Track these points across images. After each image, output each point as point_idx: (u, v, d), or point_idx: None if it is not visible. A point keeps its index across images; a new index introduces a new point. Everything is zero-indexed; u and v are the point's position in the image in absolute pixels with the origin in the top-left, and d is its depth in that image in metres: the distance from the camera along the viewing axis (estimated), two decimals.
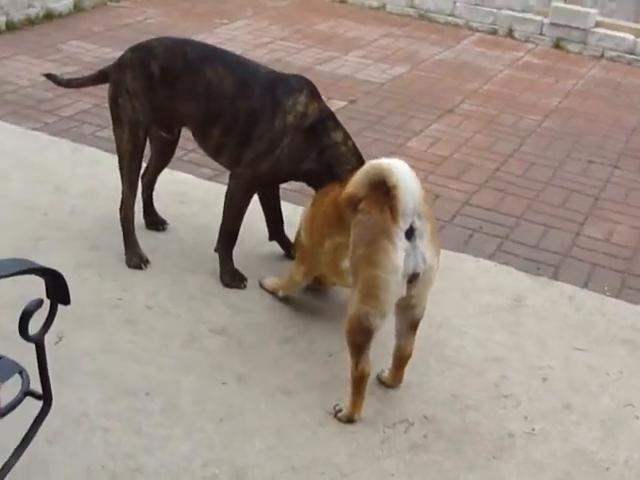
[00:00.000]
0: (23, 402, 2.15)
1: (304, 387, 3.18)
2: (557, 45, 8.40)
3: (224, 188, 3.74)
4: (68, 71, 6.04)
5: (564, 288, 4.05)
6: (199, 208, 4.42)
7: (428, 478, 2.82)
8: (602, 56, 8.25)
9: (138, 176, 3.90)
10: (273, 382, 3.19)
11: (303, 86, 3.61)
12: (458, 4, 8.84)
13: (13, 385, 2.15)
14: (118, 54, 3.94)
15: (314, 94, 3.61)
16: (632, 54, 8.15)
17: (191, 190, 4.62)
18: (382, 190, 2.79)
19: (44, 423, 2.28)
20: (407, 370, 3.20)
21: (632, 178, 5.47)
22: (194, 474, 2.72)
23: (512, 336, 3.63)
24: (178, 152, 4.26)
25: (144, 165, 3.96)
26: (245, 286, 3.76)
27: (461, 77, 7.22)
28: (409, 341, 3.12)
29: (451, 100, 6.58)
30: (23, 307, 2.07)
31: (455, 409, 3.16)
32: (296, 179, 3.75)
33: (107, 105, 3.88)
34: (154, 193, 4.17)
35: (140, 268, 3.81)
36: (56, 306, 2.17)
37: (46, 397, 2.26)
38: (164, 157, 4.12)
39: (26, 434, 2.25)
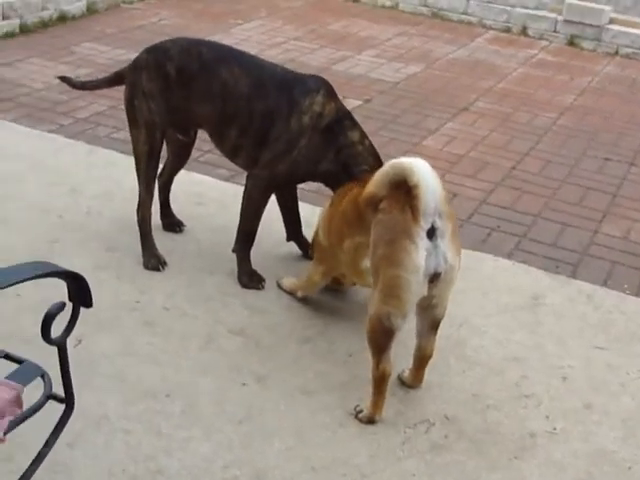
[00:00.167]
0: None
1: (324, 387, 3.17)
2: (571, 42, 8.37)
3: (241, 189, 3.74)
4: (82, 73, 6.05)
5: (583, 286, 4.03)
6: (216, 209, 4.41)
7: (449, 478, 2.81)
8: (617, 53, 8.21)
9: (155, 177, 3.90)
10: (292, 382, 3.18)
11: (320, 86, 3.60)
12: (471, 2, 8.81)
13: (35, 389, 2.14)
14: (132, 56, 3.94)
15: (331, 94, 3.60)
16: None
17: (208, 191, 4.61)
18: (403, 190, 2.78)
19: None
20: (428, 370, 3.19)
21: None
22: (215, 475, 2.72)
23: (532, 335, 3.62)
24: (194, 153, 4.26)
25: (161, 166, 3.96)
26: (263, 287, 3.75)
27: (475, 75, 7.20)
28: (430, 341, 3.11)
29: (466, 98, 6.57)
30: (45, 310, 2.06)
31: (476, 409, 3.15)
32: (313, 179, 3.74)
33: (122, 107, 3.88)
34: (171, 194, 4.17)
35: (157, 270, 3.80)
36: (79, 309, 2.17)
37: (68, 400, 2.25)
38: (180, 159, 4.12)
39: (49, 438, 2.25)
